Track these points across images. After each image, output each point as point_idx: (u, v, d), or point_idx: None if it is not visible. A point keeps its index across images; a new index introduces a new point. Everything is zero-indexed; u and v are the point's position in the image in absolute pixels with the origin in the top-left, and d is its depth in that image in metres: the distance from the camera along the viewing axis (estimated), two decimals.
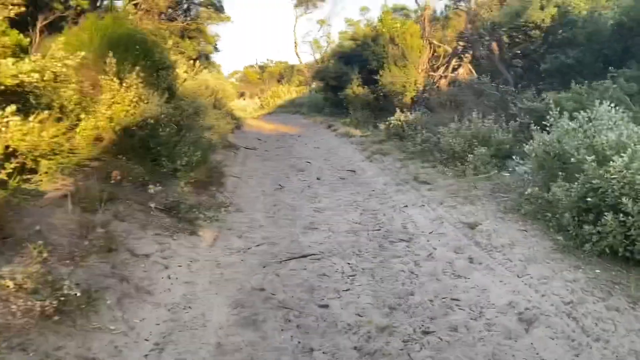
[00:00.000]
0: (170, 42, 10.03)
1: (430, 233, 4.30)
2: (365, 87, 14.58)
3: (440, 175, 6.22)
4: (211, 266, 3.55)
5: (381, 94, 14.45)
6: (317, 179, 6.97)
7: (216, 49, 19.03)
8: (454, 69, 11.99)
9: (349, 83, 14.64)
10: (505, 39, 7.74)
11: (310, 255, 3.83)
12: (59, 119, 4.12)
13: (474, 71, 11.52)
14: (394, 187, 6.14)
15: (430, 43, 13.28)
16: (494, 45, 7.63)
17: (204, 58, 17.20)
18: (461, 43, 11.45)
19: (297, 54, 29.88)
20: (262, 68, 38.26)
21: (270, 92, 25.71)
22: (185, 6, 13.11)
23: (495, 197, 5.07)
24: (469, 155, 6.05)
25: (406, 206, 5.20)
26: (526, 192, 4.27)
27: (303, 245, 4.07)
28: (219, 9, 17.18)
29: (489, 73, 8.39)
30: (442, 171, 6.35)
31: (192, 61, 12.27)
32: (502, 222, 4.32)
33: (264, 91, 30.95)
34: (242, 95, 31.54)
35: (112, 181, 4.21)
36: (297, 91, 25.58)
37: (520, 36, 7.73)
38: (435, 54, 13.74)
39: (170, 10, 12.14)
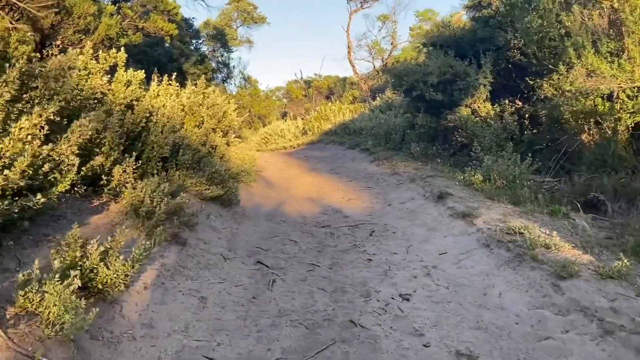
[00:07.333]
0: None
1: None
2: (500, 102, 7.05)
3: None
4: None
5: (533, 116, 6.87)
6: None
7: (228, 50, 12.33)
8: None
9: (468, 94, 7.15)
10: None
11: None
12: None
13: None
14: None
15: None
16: None
17: (195, 61, 10.37)
18: None
19: (350, 62, 22.93)
20: (308, 83, 31.65)
21: (315, 113, 18.55)
22: None
23: None
24: None
25: None
26: None
27: None
28: None
29: None
30: None
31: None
32: None
33: (309, 110, 24.09)
34: (284, 115, 25.04)
35: None
36: (351, 110, 18.21)
37: None
38: None
39: None
